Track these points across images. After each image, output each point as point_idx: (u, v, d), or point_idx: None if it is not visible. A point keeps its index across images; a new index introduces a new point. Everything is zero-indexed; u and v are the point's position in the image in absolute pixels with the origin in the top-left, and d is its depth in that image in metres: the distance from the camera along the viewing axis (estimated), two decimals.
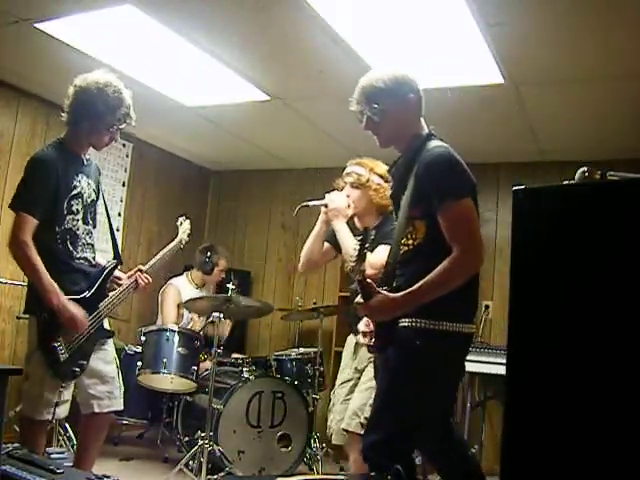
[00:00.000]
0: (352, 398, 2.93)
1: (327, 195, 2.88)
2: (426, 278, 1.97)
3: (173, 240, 3.18)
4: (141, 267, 2.86)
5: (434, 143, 2.12)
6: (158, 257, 2.99)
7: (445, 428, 2.27)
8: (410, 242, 2.12)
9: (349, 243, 2.68)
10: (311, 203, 2.91)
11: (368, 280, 2.05)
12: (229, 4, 2.97)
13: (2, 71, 4.08)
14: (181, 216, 3.36)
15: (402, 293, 2.02)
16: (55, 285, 2.49)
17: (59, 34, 3.39)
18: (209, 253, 4.69)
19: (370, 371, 2.76)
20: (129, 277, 2.82)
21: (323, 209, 2.88)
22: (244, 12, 3.03)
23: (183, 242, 3.21)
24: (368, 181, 2.89)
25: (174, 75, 3.91)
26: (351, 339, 3.07)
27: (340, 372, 3.12)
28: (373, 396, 2.50)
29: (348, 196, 2.88)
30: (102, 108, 2.59)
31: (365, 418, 2.71)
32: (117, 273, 2.82)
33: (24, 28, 3.32)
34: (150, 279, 2.86)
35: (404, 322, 2.07)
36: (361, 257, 2.05)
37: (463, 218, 2.00)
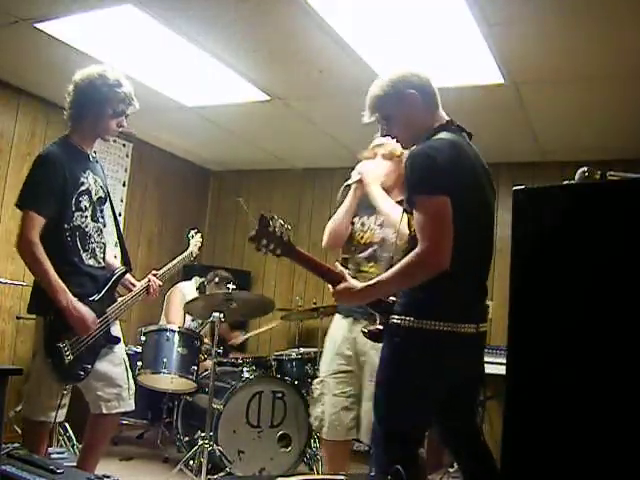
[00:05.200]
0: (369, 408, 2.54)
1: (358, 166, 2.81)
2: (387, 272, 2.06)
3: (184, 251, 3.21)
4: (155, 271, 2.86)
5: (440, 136, 2.12)
6: (169, 266, 3.01)
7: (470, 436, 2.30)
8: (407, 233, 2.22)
9: (390, 204, 2.65)
10: (350, 181, 2.79)
11: (330, 267, 2.18)
12: (229, 4, 2.97)
13: (2, 71, 4.08)
14: (193, 229, 3.41)
15: (363, 284, 2.15)
16: (63, 285, 2.46)
17: (59, 34, 3.39)
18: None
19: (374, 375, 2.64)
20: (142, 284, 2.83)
21: (355, 185, 2.79)
22: (244, 12, 3.03)
23: (194, 254, 3.24)
24: (401, 154, 2.76)
25: (174, 75, 3.91)
26: (341, 321, 2.85)
27: (330, 360, 2.84)
28: None
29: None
30: (105, 89, 2.59)
31: None
32: (131, 279, 2.83)
33: (24, 28, 3.32)
34: (161, 283, 2.88)
35: (393, 318, 2.13)
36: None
37: (431, 215, 1.98)
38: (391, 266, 2.57)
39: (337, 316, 2.92)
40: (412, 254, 2.00)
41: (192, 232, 3.36)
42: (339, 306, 2.92)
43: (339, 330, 2.86)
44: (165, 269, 2.97)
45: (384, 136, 2.33)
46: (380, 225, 2.84)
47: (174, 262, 3.07)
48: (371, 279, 2.73)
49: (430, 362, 2.07)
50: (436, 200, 1.99)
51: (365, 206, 2.86)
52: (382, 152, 2.84)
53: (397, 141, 2.31)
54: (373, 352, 2.64)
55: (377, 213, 2.81)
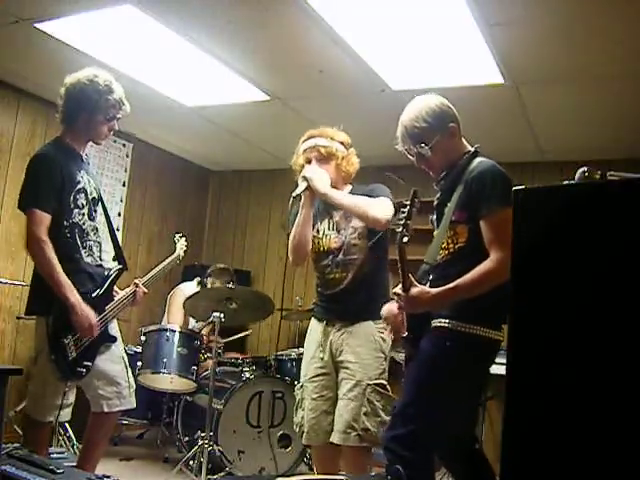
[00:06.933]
0: (340, 406, 2.63)
1: (302, 174, 2.72)
2: (464, 277, 2.06)
3: (170, 255, 3.21)
4: (137, 281, 2.83)
5: (482, 158, 2.25)
6: (155, 272, 2.99)
7: (469, 433, 2.31)
8: (451, 246, 2.20)
9: (353, 197, 2.66)
10: (298, 191, 2.69)
11: (408, 274, 2.12)
12: (229, 4, 2.97)
13: (2, 71, 4.08)
14: (177, 233, 3.43)
15: (439, 289, 2.10)
16: (71, 283, 2.48)
17: (59, 34, 3.39)
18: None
19: (352, 373, 2.62)
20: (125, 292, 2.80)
21: (306, 193, 2.70)
22: (244, 12, 3.04)
23: (180, 258, 3.26)
24: (336, 150, 2.77)
25: (174, 75, 3.91)
26: (317, 325, 2.81)
27: (307, 364, 2.80)
28: (365, 403, 2.56)
29: None
30: (95, 97, 2.60)
31: (362, 429, 2.55)
32: (115, 288, 2.80)
33: (24, 28, 3.32)
34: (146, 291, 2.85)
35: (438, 322, 2.15)
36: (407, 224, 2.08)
37: (508, 225, 2.05)
38: (360, 269, 2.62)
39: (313, 320, 2.86)
40: (490, 261, 2.04)
41: (177, 236, 3.39)
42: (315, 309, 2.88)
43: (314, 334, 2.81)
44: (150, 275, 2.93)
45: (418, 165, 2.34)
46: (336, 229, 2.78)
47: (160, 267, 3.05)
48: (339, 285, 2.73)
49: (479, 368, 2.12)
50: (511, 212, 2.06)
51: (317, 212, 2.83)
52: (315, 155, 2.78)
53: (431, 170, 2.34)
54: (348, 350, 2.65)
55: (330, 217, 2.79)
